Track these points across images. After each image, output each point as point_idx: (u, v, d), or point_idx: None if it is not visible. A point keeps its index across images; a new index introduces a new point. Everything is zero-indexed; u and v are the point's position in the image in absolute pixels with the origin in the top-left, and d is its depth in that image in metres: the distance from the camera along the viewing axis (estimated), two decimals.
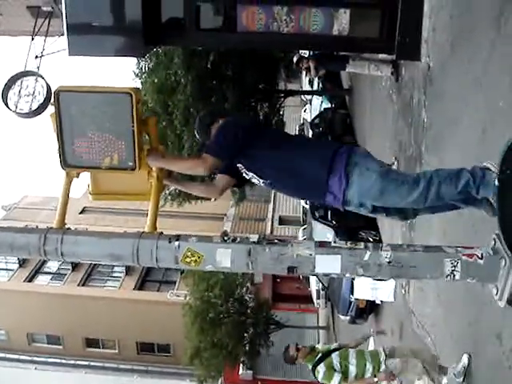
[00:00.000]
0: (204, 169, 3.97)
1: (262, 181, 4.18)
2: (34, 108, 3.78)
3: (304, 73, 15.84)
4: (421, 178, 3.84)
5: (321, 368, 6.36)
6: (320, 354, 6.53)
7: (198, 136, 4.58)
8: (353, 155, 3.94)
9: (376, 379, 6.27)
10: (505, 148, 3.00)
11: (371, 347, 9.13)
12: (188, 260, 3.26)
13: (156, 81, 13.79)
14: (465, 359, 5.87)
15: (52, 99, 3.70)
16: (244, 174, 4.22)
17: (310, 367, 6.43)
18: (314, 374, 6.43)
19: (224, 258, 3.24)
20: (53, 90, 3.73)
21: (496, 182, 3.55)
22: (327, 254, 3.21)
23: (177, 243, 3.28)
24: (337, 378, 6.16)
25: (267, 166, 4.09)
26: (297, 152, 4.09)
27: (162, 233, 3.46)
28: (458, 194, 3.73)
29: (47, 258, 3.45)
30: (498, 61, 5.31)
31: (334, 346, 6.88)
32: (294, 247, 3.22)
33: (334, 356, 6.41)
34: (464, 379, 5.85)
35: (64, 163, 3.78)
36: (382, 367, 6.46)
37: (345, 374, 6.29)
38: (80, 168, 3.85)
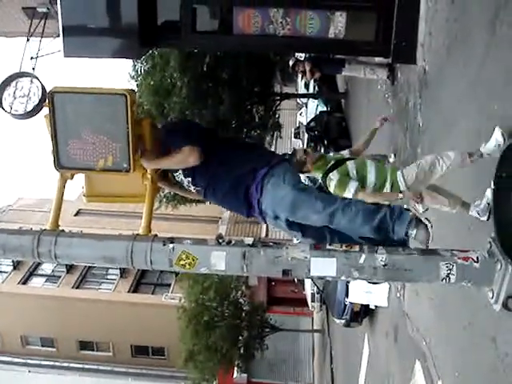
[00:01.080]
0: (194, 157, 4.01)
1: (193, 187, 4.22)
2: (28, 109, 3.76)
3: (300, 76, 15.85)
4: (337, 199, 3.90)
5: (334, 176, 5.22)
6: (333, 161, 5.45)
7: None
8: (273, 169, 3.98)
9: (401, 195, 5.32)
10: (501, 151, 2.99)
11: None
12: (182, 263, 3.24)
13: (152, 83, 13.78)
14: (488, 194, 5.21)
15: (46, 100, 3.68)
16: (177, 178, 4.26)
17: (320, 176, 5.24)
18: (326, 184, 5.24)
19: (218, 261, 3.22)
20: (48, 91, 3.72)
21: (411, 218, 3.81)
22: (322, 256, 3.19)
23: (171, 246, 3.26)
24: (353, 185, 5.03)
25: (200, 172, 4.15)
26: (228, 163, 4.17)
27: (156, 235, 3.44)
28: (372, 228, 3.80)
29: (41, 260, 3.42)
30: (493, 64, 5.31)
31: (346, 155, 5.83)
32: (289, 250, 3.20)
33: (350, 163, 5.33)
34: (489, 216, 5.19)
35: (58, 165, 3.76)
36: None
37: (362, 182, 5.21)
38: (74, 169, 3.83)
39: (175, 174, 4.31)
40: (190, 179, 4.24)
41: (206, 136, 4.27)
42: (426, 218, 3.85)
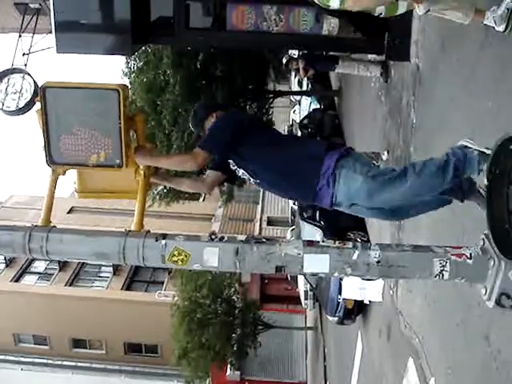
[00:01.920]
0: (194, 164, 3.95)
1: (252, 179, 4.17)
2: (20, 106, 3.74)
3: (293, 74, 15.84)
4: (408, 170, 3.84)
5: None
6: None
7: (192, 129, 4.56)
8: (342, 159, 3.92)
9: None
10: (494, 148, 2.99)
11: None
12: (175, 259, 3.22)
13: (145, 80, 13.75)
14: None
15: (38, 95, 3.66)
16: (235, 171, 4.20)
17: None
18: None
19: (211, 257, 3.21)
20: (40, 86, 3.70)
21: (477, 158, 3.65)
22: (315, 253, 3.18)
23: (164, 242, 3.24)
24: None
25: (258, 164, 4.07)
26: (288, 153, 4.08)
27: (148, 231, 3.42)
28: (448, 183, 3.75)
29: (32, 255, 3.40)
30: (487, 62, 5.31)
31: None
32: (282, 246, 3.19)
33: None
34: (507, 26, 4.73)
35: (50, 160, 3.74)
36: None
37: None
38: (66, 165, 3.81)
39: (230, 162, 4.24)
40: (243, 171, 4.19)
41: (250, 128, 4.18)
42: (487, 148, 3.64)
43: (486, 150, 3.62)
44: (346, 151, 4.02)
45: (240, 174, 4.20)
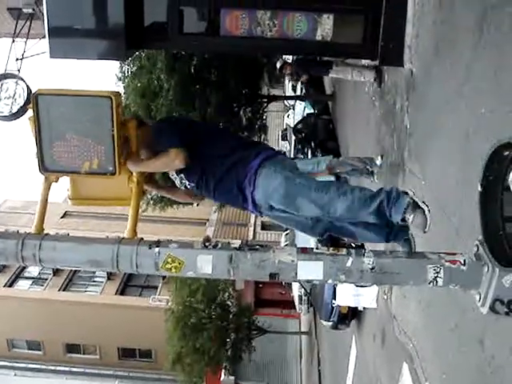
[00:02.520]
0: (179, 160, 3.98)
1: (187, 183, 4.19)
2: (14, 111, 3.73)
3: (287, 78, 15.87)
4: (332, 186, 3.86)
5: None
6: None
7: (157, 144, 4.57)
8: (267, 160, 3.95)
9: None
10: (488, 154, 2.99)
11: None
12: (168, 266, 3.21)
13: (139, 85, 13.74)
14: None
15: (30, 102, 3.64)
16: (171, 177, 4.24)
17: None
18: None
19: (205, 265, 3.20)
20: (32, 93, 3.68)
21: (409, 203, 3.70)
22: (309, 260, 3.18)
23: (157, 249, 3.23)
24: None
25: (193, 167, 4.11)
26: (221, 155, 4.12)
27: (142, 238, 3.41)
28: (370, 214, 3.76)
29: (25, 264, 3.39)
30: (481, 67, 5.32)
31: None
32: (275, 253, 3.18)
33: None
34: None
35: (43, 168, 3.72)
36: None
37: None
38: (59, 173, 3.79)
39: (169, 173, 4.27)
40: (182, 175, 4.20)
41: (194, 131, 4.23)
42: (424, 202, 3.74)
43: (421, 204, 3.68)
44: (274, 154, 4.05)
45: (177, 180, 4.24)
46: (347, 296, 11.67)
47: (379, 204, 3.71)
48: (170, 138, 4.05)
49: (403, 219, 3.77)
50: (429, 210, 3.72)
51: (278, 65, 12.17)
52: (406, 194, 3.82)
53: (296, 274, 3.17)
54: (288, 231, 22.12)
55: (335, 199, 3.80)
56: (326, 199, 3.81)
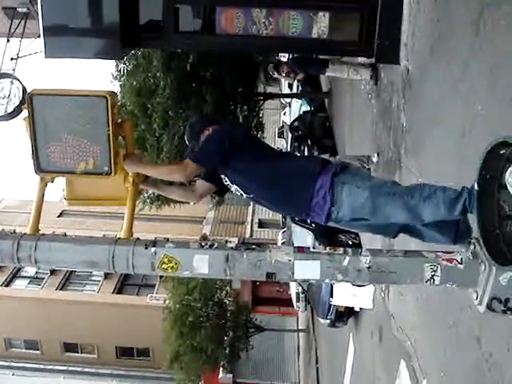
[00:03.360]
0: (183, 175, 3.94)
1: (245, 195, 4.15)
2: (9, 111, 3.71)
3: (283, 79, 15.85)
4: (416, 192, 3.78)
5: None
6: None
7: (187, 141, 4.54)
8: (339, 175, 3.89)
9: None
10: (484, 153, 2.99)
11: None
12: (165, 266, 3.20)
13: (135, 83, 13.70)
14: None
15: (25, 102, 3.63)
16: (228, 186, 4.19)
17: None
18: None
19: (201, 264, 3.19)
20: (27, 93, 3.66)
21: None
22: (306, 259, 3.17)
23: (153, 249, 3.22)
24: None
25: (251, 180, 4.05)
26: (281, 169, 4.06)
27: (138, 238, 3.40)
28: (456, 216, 3.67)
29: (21, 264, 3.38)
30: (477, 65, 5.32)
31: None
32: (272, 253, 3.18)
33: None
34: None
35: (38, 168, 3.70)
36: None
37: None
38: (54, 173, 3.77)
39: (222, 177, 4.22)
40: (236, 187, 4.18)
41: (244, 144, 4.14)
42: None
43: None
44: (342, 167, 3.99)
45: (233, 189, 4.19)
46: (344, 296, 11.67)
47: (463, 204, 3.61)
48: (200, 150, 4.06)
49: None
50: None
51: (270, 72, 12.13)
52: None
53: (293, 273, 3.17)
54: (285, 229, 22.12)
55: (420, 204, 3.72)
56: (412, 204, 3.73)
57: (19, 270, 27.43)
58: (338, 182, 3.82)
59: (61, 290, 26.75)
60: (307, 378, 23.93)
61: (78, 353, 27.97)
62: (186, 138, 4.56)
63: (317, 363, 21.32)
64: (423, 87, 7.09)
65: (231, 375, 24.07)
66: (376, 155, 9.33)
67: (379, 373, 9.61)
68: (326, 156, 9.72)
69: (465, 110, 5.55)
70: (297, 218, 13.18)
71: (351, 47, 7.85)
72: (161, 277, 25.13)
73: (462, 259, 3.15)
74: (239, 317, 22.02)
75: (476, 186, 3.08)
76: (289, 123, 21.15)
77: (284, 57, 13.52)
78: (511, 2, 4.62)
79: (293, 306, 23.00)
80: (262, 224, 29.75)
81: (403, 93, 7.91)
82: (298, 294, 21.19)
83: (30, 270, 27.59)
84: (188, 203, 11.91)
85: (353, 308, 12.42)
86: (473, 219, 3.63)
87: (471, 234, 3.80)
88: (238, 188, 4.13)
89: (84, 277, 27.51)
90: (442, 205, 3.61)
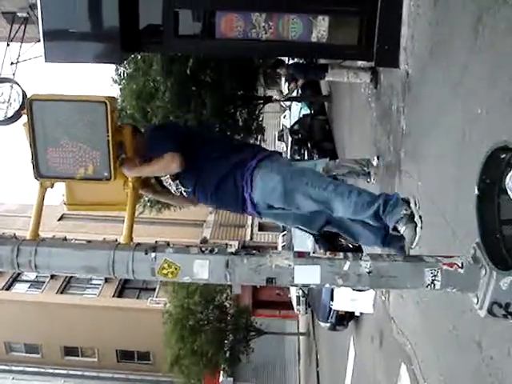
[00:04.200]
0: (176, 164, 3.96)
1: (183, 189, 4.18)
2: (9, 115, 3.71)
3: (283, 79, 15.86)
4: (331, 184, 3.85)
5: None
6: None
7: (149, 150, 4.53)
8: (262, 161, 3.96)
9: None
10: (484, 157, 2.98)
11: None
12: (165, 272, 3.19)
13: (135, 87, 13.71)
14: None
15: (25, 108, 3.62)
16: (165, 183, 4.22)
17: None
18: None
19: (201, 270, 3.18)
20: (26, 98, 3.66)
21: (403, 215, 3.68)
22: (306, 264, 3.16)
23: (153, 254, 3.21)
24: None
25: (189, 172, 4.10)
26: (216, 160, 4.12)
27: (138, 244, 3.39)
28: (367, 218, 3.76)
29: (20, 270, 3.37)
30: (476, 67, 5.32)
31: None
32: (272, 258, 3.17)
33: None
34: None
35: (37, 174, 3.70)
36: None
37: None
38: (54, 179, 3.77)
39: (163, 179, 4.26)
40: (177, 182, 4.19)
41: (189, 137, 4.22)
42: (420, 217, 3.72)
43: (416, 218, 3.68)
44: (269, 154, 4.05)
45: (172, 187, 4.23)
46: (344, 301, 11.68)
47: (376, 209, 3.70)
48: (166, 143, 4.04)
49: (395, 228, 3.76)
50: (421, 227, 3.69)
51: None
52: (408, 203, 3.79)
53: (293, 278, 3.16)
54: (285, 232, 22.12)
55: (333, 199, 3.79)
56: (324, 196, 3.79)
57: (19, 273, 27.37)
58: (259, 167, 3.88)
59: (61, 293, 26.74)
60: (307, 382, 23.91)
61: (78, 356, 27.95)
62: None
63: (317, 367, 21.31)
64: (423, 90, 7.09)
65: (232, 379, 24.07)
66: (376, 158, 9.33)
67: (380, 376, 9.60)
68: (325, 159, 9.68)
69: (464, 113, 5.55)
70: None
71: (351, 51, 7.86)
72: (161, 280, 25.12)
73: (462, 264, 3.14)
74: (240, 320, 22.04)
75: (476, 191, 3.08)
76: (289, 126, 21.16)
77: (284, 59, 13.54)
78: (509, 6, 4.62)
79: (293, 310, 23.01)
80: (262, 227, 29.72)
81: (403, 96, 7.91)
82: (298, 297, 21.21)
83: (31, 274, 27.49)
84: (187, 207, 11.92)
85: (353, 312, 12.42)
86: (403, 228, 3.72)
87: (402, 241, 3.84)
88: (178, 184, 4.21)
89: (84, 281, 27.49)
90: (354, 206, 3.73)
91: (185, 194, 4.27)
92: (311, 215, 4.20)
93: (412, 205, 3.78)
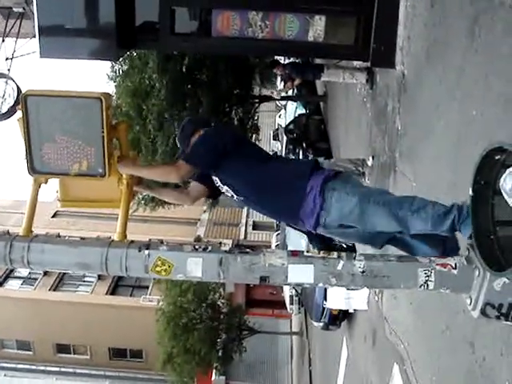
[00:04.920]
0: (177, 176, 3.91)
1: (236, 196, 4.13)
2: (3, 111, 3.70)
3: (279, 78, 15.86)
4: (405, 204, 3.78)
5: None
6: None
7: (178, 144, 4.51)
8: (330, 180, 3.89)
9: None
10: (479, 158, 2.98)
11: None
12: (158, 269, 3.18)
13: (130, 84, 13.67)
14: None
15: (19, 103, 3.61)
16: (219, 187, 4.17)
17: None
18: None
19: (195, 268, 3.17)
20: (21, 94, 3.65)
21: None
22: (300, 263, 3.16)
23: (147, 252, 3.20)
24: None
25: (242, 182, 4.03)
26: (271, 172, 4.05)
27: (132, 241, 3.37)
28: (443, 231, 3.69)
29: (13, 266, 3.35)
30: (472, 69, 5.33)
31: None
32: (266, 256, 3.16)
33: None
34: None
35: (32, 169, 3.67)
36: None
37: None
38: (48, 174, 3.75)
39: (214, 179, 4.20)
40: (227, 188, 4.15)
41: (235, 145, 4.11)
42: None
43: None
44: (334, 174, 3.99)
45: (224, 190, 4.17)
46: (338, 299, 11.68)
47: (452, 221, 3.63)
48: (198, 154, 3.99)
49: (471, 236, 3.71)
50: None
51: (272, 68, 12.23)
52: None
53: (287, 277, 3.16)
54: (279, 231, 22.11)
55: (409, 216, 3.73)
56: (400, 215, 3.73)
57: (12, 270, 27.32)
58: (329, 187, 3.82)
59: (54, 290, 26.66)
60: (300, 381, 23.93)
61: (70, 354, 27.88)
62: (177, 139, 4.54)
63: (310, 366, 21.32)
64: (418, 91, 7.10)
65: (224, 377, 24.07)
66: (371, 158, 9.34)
67: (372, 376, 9.61)
68: (320, 159, 9.70)
69: (460, 114, 5.56)
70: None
71: (347, 51, 7.86)
72: (154, 278, 25.11)
73: (456, 264, 3.14)
74: (232, 319, 22.03)
75: (470, 192, 3.07)
76: (284, 126, 21.16)
77: (280, 59, 13.55)
78: (506, 8, 4.63)
79: (286, 309, 23.01)
80: (256, 226, 29.73)
81: (398, 97, 7.92)
82: (291, 296, 21.21)
83: (24, 271, 27.47)
84: (182, 205, 11.91)
85: (347, 311, 12.43)
86: (461, 238, 3.67)
87: (458, 253, 3.82)
88: (228, 189, 4.12)
89: (77, 278, 27.43)
90: (431, 219, 3.65)
91: (236, 200, 4.22)
92: (371, 234, 4.14)
93: None
